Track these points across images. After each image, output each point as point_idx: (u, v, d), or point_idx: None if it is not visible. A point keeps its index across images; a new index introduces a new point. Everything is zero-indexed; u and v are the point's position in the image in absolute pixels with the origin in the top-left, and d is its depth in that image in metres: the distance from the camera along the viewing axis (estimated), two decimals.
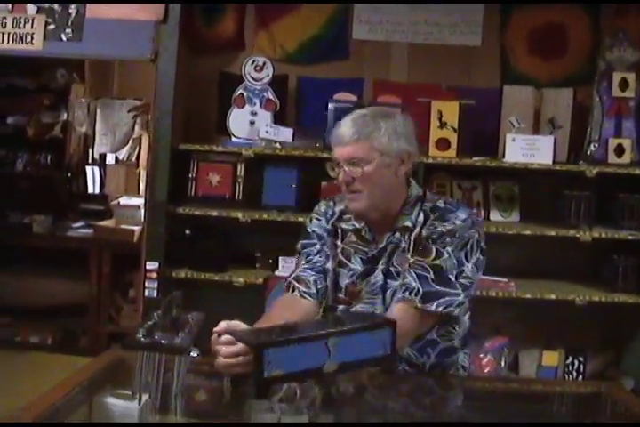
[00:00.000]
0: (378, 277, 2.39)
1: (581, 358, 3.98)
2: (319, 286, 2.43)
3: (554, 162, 3.73)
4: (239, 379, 1.93)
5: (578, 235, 3.71)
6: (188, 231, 3.91)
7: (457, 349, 2.44)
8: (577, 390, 2.68)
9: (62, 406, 2.04)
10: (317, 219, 2.55)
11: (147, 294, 3.74)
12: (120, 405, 2.04)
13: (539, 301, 3.67)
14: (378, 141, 2.26)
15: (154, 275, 3.72)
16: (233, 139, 3.90)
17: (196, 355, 3.71)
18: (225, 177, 3.84)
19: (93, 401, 2.07)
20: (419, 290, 2.24)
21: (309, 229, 2.52)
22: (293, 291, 2.43)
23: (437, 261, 2.26)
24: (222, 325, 2.01)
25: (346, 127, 2.29)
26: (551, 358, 3.98)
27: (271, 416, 1.95)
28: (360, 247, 2.43)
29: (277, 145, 3.82)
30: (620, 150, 3.78)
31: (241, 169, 3.84)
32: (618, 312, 3.94)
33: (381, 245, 2.38)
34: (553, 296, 3.71)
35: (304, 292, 2.42)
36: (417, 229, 2.34)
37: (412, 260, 2.30)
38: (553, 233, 3.72)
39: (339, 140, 2.30)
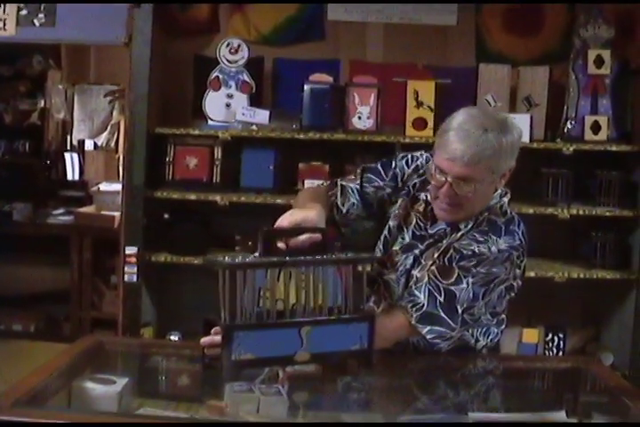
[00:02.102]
0: (408, 259, 2.31)
1: (561, 335, 3.98)
2: (350, 212, 2.35)
3: (531, 140, 3.71)
4: (213, 361, 1.89)
5: (556, 212, 3.71)
6: (166, 215, 3.89)
7: (473, 347, 2.36)
8: (557, 366, 2.68)
9: (41, 391, 2.01)
10: (408, 165, 2.36)
11: (126, 278, 3.72)
12: (99, 389, 2.02)
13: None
14: (496, 162, 2.09)
15: (133, 259, 3.69)
16: (209, 122, 3.88)
17: (176, 338, 3.75)
18: (202, 160, 3.82)
19: (72, 386, 2.07)
20: (422, 307, 2.16)
21: (393, 164, 2.36)
22: (333, 194, 2.35)
23: (453, 288, 2.15)
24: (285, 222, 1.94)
25: (466, 146, 2.06)
26: (531, 335, 3.98)
27: (250, 397, 1.92)
28: (418, 221, 2.32)
29: (254, 127, 3.80)
30: (596, 128, 3.78)
31: (218, 152, 3.82)
32: (597, 289, 3.94)
33: (431, 231, 2.28)
34: (532, 274, 3.70)
35: (336, 203, 2.34)
36: (459, 234, 2.23)
37: (431, 273, 2.20)
38: (531, 211, 3.71)
39: (454, 156, 2.07)
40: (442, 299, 2.15)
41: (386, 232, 2.37)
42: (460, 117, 2.12)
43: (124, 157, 3.84)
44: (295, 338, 1.83)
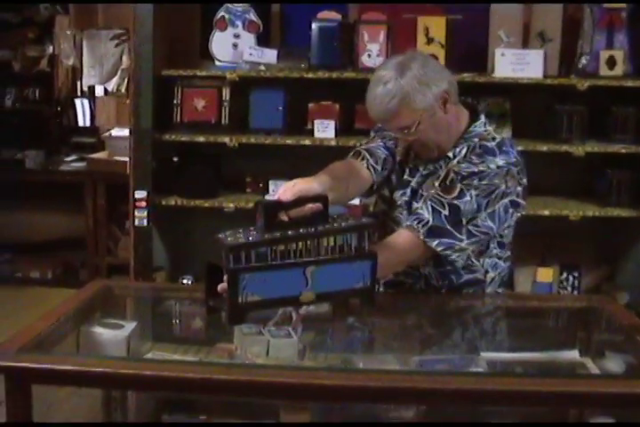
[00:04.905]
0: (407, 193, 2.39)
1: (576, 274, 3.95)
2: (385, 166, 2.41)
3: (544, 76, 3.65)
4: (217, 304, 1.86)
5: (571, 150, 3.66)
6: (175, 158, 3.86)
7: (482, 281, 2.39)
8: (571, 305, 2.70)
9: (47, 337, 2.01)
10: None
11: (136, 223, 3.71)
12: (107, 334, 2.01)
13: (532, 217, 3.60)
14: (413, 104, 2.20)
15: (143, 204, 3.69)
16: (217, 63, 3.84)
17: (189, 282, 3.73)
18: (210, 102, 3.77)
19: (80, 331, 2.06)
20: (428, 222, 2.19)
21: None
22: (362, 160, 2.39)
23: (457, 202, 2.20)
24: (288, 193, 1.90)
25: (375, 108, 2.23)
26: (546, 274, 3.95)
27: (259, 339, 1.91)
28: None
29: (262, 67, 3.75)
30: (612, 62, 3.69)
31: (226, 93, 3.78)
32: (612, 227, 3.91)
33: (421, 168, 2.38)
34: (547, 212, 3.68)
35: (372, 165, 2.38)
36: (454, 161, 2.31)
37: (432, 191, 2.26)
38: (545, 149, 3.67)
39: (376, 119, 2.30)
40: (446, 212, 2.20)
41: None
42: (371, 82, 2.25)
43: (131, 101, 3.79)
44: (300, 278, 1.82)
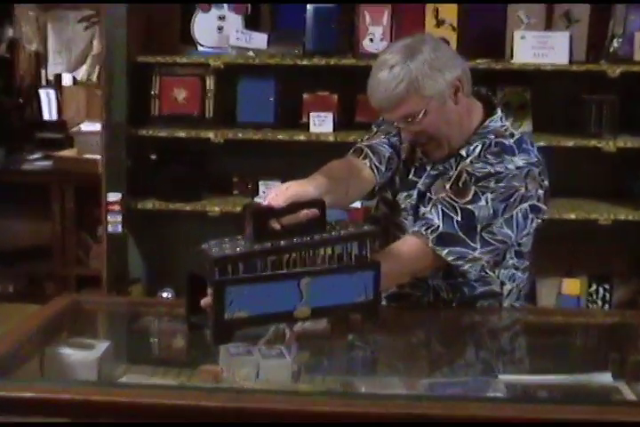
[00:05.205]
0: (413, 197, 2.40)
1: (607, 286, 3.97)
2: (390, 166, 2.41)
3: (570, 62, 3.68)
4: (200, 320, 1.87)
5: (600, 145, 3.67)
6: (153, 156, 3.89)
7: (498, 293, 2.39)
8: (602, 321, 2.67)
9: (7, 360, 2.00)
10: None
11: (110, 229, 3.74)
12: (76, 355, 2.01)
13: (557, 221, 3.62)
14: (422, 90, 2.21)
15: (116, 207, 3.71)
16: (199, 48, 3.86)
17: (169, 296, 3.74)
18: (192, 92, 3.80)
19: (45, 352, 2.05)
20: (437, 228, 2.20)
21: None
22: (365, 158, 2.38)
23: (470, 206, 2.21)
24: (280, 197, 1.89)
25: (379, 95, 2.23)
26: (573, 285, 3.97)
27: (248, 360, 1.92)
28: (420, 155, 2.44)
29: (251, 53, 3.77)
30: None
31: (210, 82, 3.80)
32: None
33: (428, 167, 2.39)
34: (573, 216, 3.70)
35: (375, 164, 2.38)
36: (467, 160, 2.31)
37: (443, 194, 2.27)
38: (571, 144, 3.69)
39: (378, 107, 2.28)
40: (458, 218, 2.21)
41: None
42: (374, 66, 2.26)
43: (102, 91, 3.82)
44: (294, 291, 1.83)
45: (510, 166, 2.24)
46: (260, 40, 3.77)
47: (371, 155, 2.38)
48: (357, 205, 3.38)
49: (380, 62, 2.24)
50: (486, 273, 2.33)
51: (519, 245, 2.35)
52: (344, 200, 2.24)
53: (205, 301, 1.85)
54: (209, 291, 1.83)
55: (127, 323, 2.59)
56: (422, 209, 2.35)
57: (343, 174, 2.23)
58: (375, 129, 2.49)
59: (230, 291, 1.77)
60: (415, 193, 2.39)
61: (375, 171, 2.37)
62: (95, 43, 6.08)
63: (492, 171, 2.24)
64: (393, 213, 2.44)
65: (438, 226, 2.20)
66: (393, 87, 2.19)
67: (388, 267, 1.97)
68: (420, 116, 2.22)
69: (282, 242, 1.83)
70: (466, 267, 2.22)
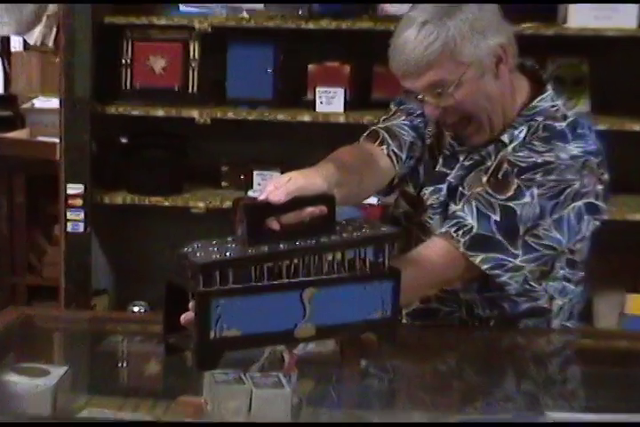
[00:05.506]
0: (442, 192, 2.40)
1: None
2: (412, 153, 2.42)
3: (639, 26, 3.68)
4: (180, 341, 1.87)
5: None
6: (123, 139, 3.89)
7: (546, 310, 2.40)
8: None
9: None
10: None
11: (70, 228, 3.75)
12: (26, 383, 2.02)
13: (619, 223, 3.63)
14: (458, 54, 2.20)
15: (78, 202, 3.72)
16: (181, 7, 3.88)
17: (141, 310, 3.75)
18: (172, 61, 3.81)
19: None
20: (471, 230, 2.20)
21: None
22: (381, 144, 2.39)
23: (512, 203, 2.20)
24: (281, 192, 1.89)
25: (406, 54, 2.21)
26: (638, 303, 3.96)
27: (238, 390, 1.92)
28: (450, 141, 2.43)
29: (244, 14, 3.80)
30: None
31: (195, 49, 3.82)
32: None
33: (461, 156, 2.39)
34: (638, 217, 3.71)
35: (394, 151, 2.39)
36: (509, 148, 2.32)
37: (479, 189, 2.28)
38: (638, 128, 3.71)
39: (403, 71, 2.24)
40: (497, 217, 2.20)
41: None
42: (399, 25, 2.26)
43: (61, 59, 3.82)
44: (295, 305, 1.82)
45: (562, 155, 2.24)
46: None
47: (389, 139, 2.39)
48: (373, 200, 3.39)
49: (407, 19, 2.23)
50: (531, 286, 2.34)
51: (572, 252, 2.35)
52: (357, 194, 2.24)
53: (186, 316, 1.85)
54: (191, 304, 1.84)
55: (90, 343, 2.61)
56: (453, 207, 2.36)
57: (356, 163, 2.24)
58: (394, 108, 2.50)
59: (218, 304, 1.76)
60: (444, 187, 2.40)
61: (394, 159, 2.38)
62: None
63: (540, 161, 2.23)
64: (416, 212, 2.45)
65: (472, 227, 2.19)
66: (424, 46, 2.17)
67: (410, 276, 1.96)
68: (453, 87, 2.21)
69: (281, 245, 1.83)
70: (505, 278, 2.22)
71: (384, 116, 2.49)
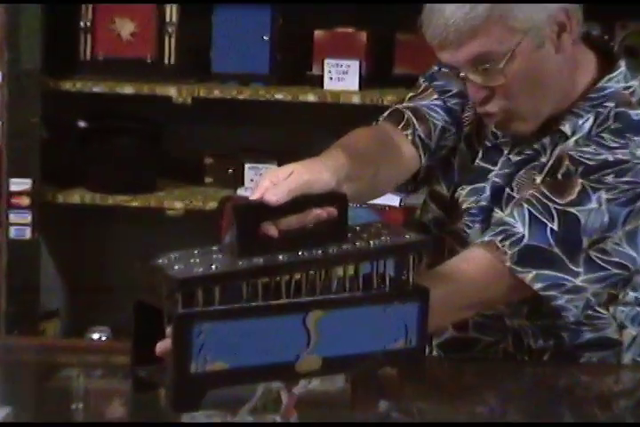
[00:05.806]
0: (484, 194, 2.39)
1: None
2: (444, 143, 2.42)
3: None
4: (153, 375, 1.87)
5: None
6: (82, 123, 3.92)
7: (616, 342, 2.40)
8: None
9: None
10: None
11: (12, 234, 3.77)
12: None
13: None
14: (511, 19, 2.15)
15: (24, 201, 3.73)
16: None
17: (102, 337, 3.74)
18: (144, 26, 3.86)
19: None
20: (521, 240, 2.18)
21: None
22: (406, 127, 2.39)
23: (575, 209, 2.18)
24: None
25: (444, 18, 2.15)
26: None
27: None
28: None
29: None
30: None
31: (171, 11, 3.85)
32: None
33: (507, 149, 2.38)
34: None
35: (420, 138, 2.38)
36: (571, 141, 2.30)
37: (532, 191, 2.26)
38: None
39: (440, 40, 2.19)
40: (555, 226, 2.18)
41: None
42: None
43: (2, 23, 3.82)
44: (297, 331, 1.82)
45: (638, 153, 2.23)
46: None
47: (415, 123, 2.39)
48: (394, 202, 3.37)
49: None
50: (595, 311, 2.33)
51: None
52: (371, 189, 2.23)
53: (162, 345, 1.84)
54: (168, 330, 1.83)
55: (38, 379, 2.61)
56: (498, 213, 2.35)
57: (372, 150, 2.24)
58: (424, 85, 2.48)
59: (200, 330, 1.76)
60: (487, 188, 2.39)
61: (420, 147, 2.38)
62: None
63: (611, 158, 2.21)
64: (450, 217, 2.45)
65: (523, 236, 2.18)
66: (468, 8, 2.13)
67: (441, 296, 1.96)
68: (504, 61, 2.17)
69: (280, 256, 1.83)
70: (562, 301, 2.21)
71: (411, 94, 2.48)
